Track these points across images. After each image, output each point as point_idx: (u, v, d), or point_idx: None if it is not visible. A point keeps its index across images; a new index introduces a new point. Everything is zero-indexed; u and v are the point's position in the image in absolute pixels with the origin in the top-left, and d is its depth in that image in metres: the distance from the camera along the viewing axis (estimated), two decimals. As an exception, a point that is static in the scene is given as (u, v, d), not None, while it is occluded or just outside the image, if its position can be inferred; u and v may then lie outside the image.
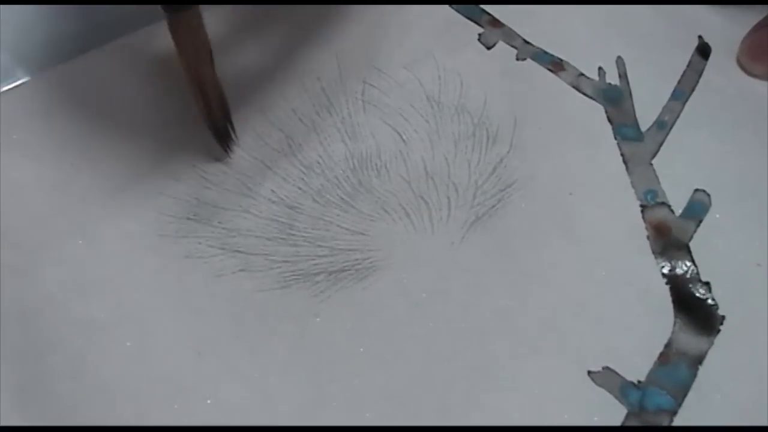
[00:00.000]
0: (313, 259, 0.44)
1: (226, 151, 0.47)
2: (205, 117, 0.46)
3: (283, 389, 0.40)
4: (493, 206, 0.45)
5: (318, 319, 0.42)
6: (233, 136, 0.47)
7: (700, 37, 0.51)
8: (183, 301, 0.43)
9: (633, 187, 0.46)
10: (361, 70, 0.50)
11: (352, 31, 0.51)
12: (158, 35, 0.49)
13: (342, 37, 0.51)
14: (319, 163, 0.47)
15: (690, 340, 0.42)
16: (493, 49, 0.51)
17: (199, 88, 0.45)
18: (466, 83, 0.49)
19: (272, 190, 0.46)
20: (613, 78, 0.50)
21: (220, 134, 0.46)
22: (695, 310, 0.42)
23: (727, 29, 0.51)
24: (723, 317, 0.42)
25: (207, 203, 0.45)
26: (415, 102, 0.49)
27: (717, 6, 0.52)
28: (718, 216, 0.45)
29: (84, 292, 0.43)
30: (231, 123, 0.46)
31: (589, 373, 0.41)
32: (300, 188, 0.46)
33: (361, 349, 0.42)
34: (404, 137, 0.47)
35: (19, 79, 0.49)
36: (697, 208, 0.45)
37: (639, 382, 0.40)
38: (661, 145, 0.47)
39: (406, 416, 0.40)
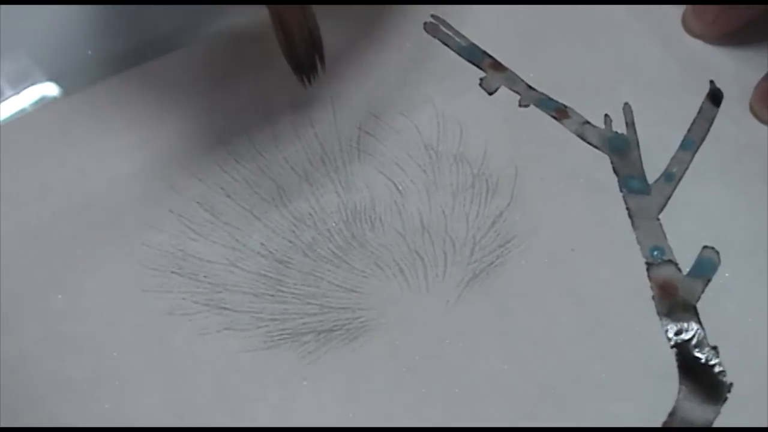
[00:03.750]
0: (302, 318, 0.42)
1: (304, 82, 0.47)
2: (284, 46, 0.46)
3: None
4: (491, 263, 0.43)
5: (305, 383, 0.40)
6: (319, 68, 0.47)
7: (711, 81, 0.49)
8: (165, 361, 0.41)
9: (638, 243, 0.44)
10: (356, 116, 0.48)
11: (349, 74, 0.49)
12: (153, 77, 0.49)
13: (338, 81, 0.49)
14: (311, 215, 0.45)
15: (695, 409, 0.40)
16: (494, 95, 0.49)
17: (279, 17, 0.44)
18: (466, 131, 0.47)
19: (261, 243, 0.44)
20: (619, 126, 0.48)
21: (301, 65, 0.46)
22: (701, 377, 0.40)
23: (741, 74, 0.49)
24: (731, 384, 0.40)
25: (192, 255, 0.44)
26: (412, 150, 0.47)
27: (731, 48, 0.50)
28: (727, 275, 0.43)
29: (61, 349, 0.42)
30: (321, 54, 0.46)
31: (583, 442, 0.39)
32: (290, 241, 0.44)
33: (350, 415, 0.40)
34: (400, 188, 0.46)
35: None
36: (706, 267, 0.43)
37: (642, 457, 0.39)
38: (668, 198, 0.45)
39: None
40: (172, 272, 0.43)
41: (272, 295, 0.43)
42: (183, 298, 0.43)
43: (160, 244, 0.44)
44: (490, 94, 0.49)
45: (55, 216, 0.45)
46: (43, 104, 0.48)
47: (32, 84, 0.49)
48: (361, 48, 0.50)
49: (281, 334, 0.42)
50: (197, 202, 0.45)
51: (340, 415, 0.40)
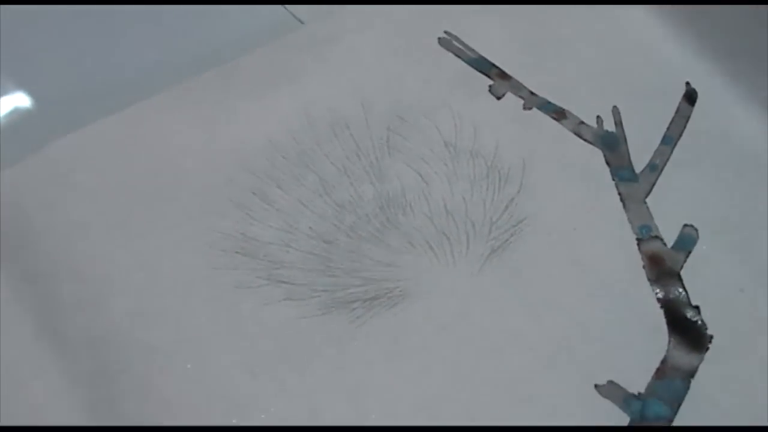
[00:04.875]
0: (349, 288, 0.49)
1: None
2: None
3: (328, 405, 0.46)
4: (507, 240, 0.51)
5: (356, 342, 0.48)
6: None
7: (687, 83, 0.57)
8: (235, 327, 0.48)
9: (629, 222, 0.52)
10: (385, 119, 0.55)
11: (377, 84, 0.57)
12: (211, 86, 0.56)
13: (368, 89, 0.57)
14: (350, 202, 0.52)
15: (683, 357, 0.47)
16: (502, 100, 0.57)
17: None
18: (479, 130, 0.55)
19: (310, 227, 0.51)
20: (609, 125, 0.55)
21: None
22: (687, 331, 0.48)
23: (712, 75, 0.57)
24: (711, 336, 0.48)
25: (253, 238, 0.51)
26: (434, 147, 0.54)
27: (705, 53, 0.58)
28: (704, 248, 0.51)
29: (146, 320, 0.48)
30: None
31: (596, 386, 0.46)
32: (335, 225, 0.51)
33: (395, 368, 0.47)
34: (425, 179, 0.53)
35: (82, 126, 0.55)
36: (687, 241, 0.51)
37: (639, 393, 0.46)
38: (653, 185, 0.53)
39: (433, 421, 0.45)
40: (236, 252, 0.50)
41: (322, 270, 0.50)
42: (247, 274, 0.50)
43: (224, 229, 0.51)
44: (498, 98, 0.57)
45: (133, 207, 0.52)
46: (119, 111, 0.55)
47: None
48: (388, 61, 0.58)
49: (333, 303, 0.49)
50: (253, 193, 0.52)
51: (386, 367, 0.47)
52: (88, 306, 0.49)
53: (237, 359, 0.47)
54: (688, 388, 0.46)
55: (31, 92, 0.57)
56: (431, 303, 0.49)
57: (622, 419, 0.45)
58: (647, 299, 0.49)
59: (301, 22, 0.60)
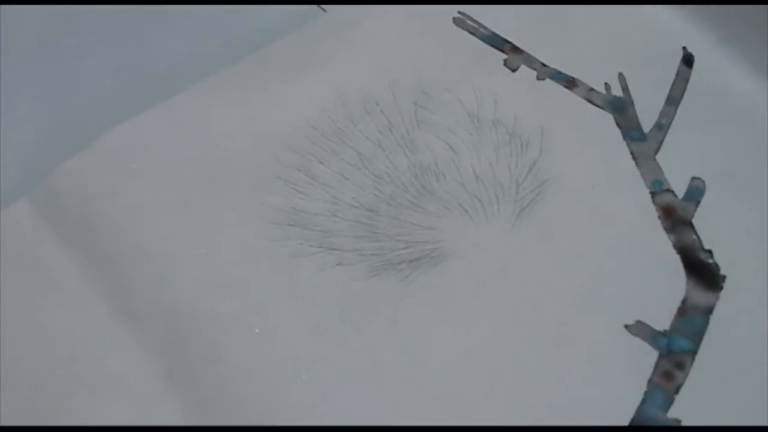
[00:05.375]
0: (394, 252, 0.54)
1: None
2: None
3: (387, 358, 0.50)
4: (533, 199, 0.56)
5: (406, 299, 0.52)
6: None
7: (684, 48, 0.62)
8: (296, 293, 0.52)
9: (642, 178, 0.57)
10: (411, 95, 0.60)
11: (401, 63, 0.61)
12: (247, 74, 0.61)
13: (393, 69, 0.61)
14: (387, 173, 0.57)
15: (701, 296, 0.52)
16: (517, 72, 0.61)
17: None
18: (499, 101, 0.60)
19: (353, 197, 0.56)
20: (617, 91, 0.60)
21: None
22: (702, 273, 0.53)
23: (706, 39, 0.62)
24: (724, 276, 0.53)
25: (302, 211, 0.55)
26: (458, 119, 0.59)
27: (697, 19, 0.63)
28: (712, 197, 0.56)
29: (213, 291, 0.52)
30: None
31: (626, 326, 0.51)
32: (375, 195, 0.56)
33: (444, 320, 0.52)
34: (454, 148, 0.58)
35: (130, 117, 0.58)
36: (695, 192, 0.56)
37: (665, 331, 0.51)
38: (661, 143, 0.58)
39: (488, 370, 0.50)
40: (289, 225, 0.55)
41: (368, 236, 0.54)
42: (301, 244, 0.54)
43: (275, 204, 0.55)
44: (513, 71, 0.61)
45: (187, 190, 0.56)
46: (163, 101, 0.59)
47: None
48: (408, 42, 0.63)
49: (381, 265, 0.53)
50: (298, 169, 0.57)
51: (437, 319, 0.52)
52: (155, 281, 0.52)
53: (300, 321, 0.51)
54: (707, 323, 0.51)
55: (80, 88, 0.62)
56: (470, 260, 0.53)
57: (652, 354, 0.50)
58: (664, 246, 0.54)
59: (324, 10, 0.64)
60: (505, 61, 0.62)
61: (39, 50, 0.64)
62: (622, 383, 0.50)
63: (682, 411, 0.49)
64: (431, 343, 0.51)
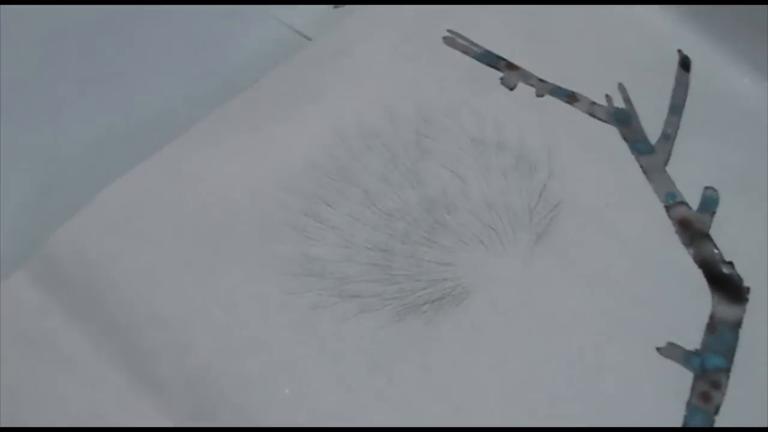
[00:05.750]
0: (416, 293, 0.52)
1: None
2: None
3: (423, 408, 0.49)
4: (548, 224, 0.55)
5: (434, 343, 0.51)
6: None
7: (679, 51, 0.62)
8: (322, 347, 0.51)
9: (655, 192, 0.56)
10: (411, 124, 0.58)
11: (396, 90, 0.60)
12: (237, 115, 0.59)
13: (388, 97, 0.59)
14: (397, 209, 0.55)
15: (727, 310, 0.52)
16: (515, 90, 0.60)
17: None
18: (500, 122, 0.58)
19: (366, 239, 0.54)
20: (619, 102, 0.60)
21: None
22: (726, 286, 0.53)
23: (700, 40, 0.62)
24: (748, 288, 0.53)
25: (316, 258, 0.53)
26: (462, 145, 0.58)
27: (690, 20, 0.62)
28: (727, 206, 0.55)
29: (235, 353, 0.50)
30: None
31: (658, 349, 0.51)
32: (388, 234, 0.54)
33: (475, 360, 0.50)
34: (461, 177, 0.56)
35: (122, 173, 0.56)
36: (710, 203, 0.56)
37: (696, 350, 0.51)
38: (670, 153, 0.57)
39: (526, 409, 0.49)
40: (304, 275, 0.53)
41: (387, 279, 0.53)
42: (320, 294, 0.52)
43: (286, 254, 0.53)
44: (511, 89, 0.60)
45: (194, 246, 0.54)
46: (155, 154, 0.57)
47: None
48: (400, 66, 0.61)
49: (404, 309, 0.52)
50: (305, 214, 0.55)
51: (467, 361, 0.50)
52: (174, 348, 0.50)
53: (330, 378, 0.50)
54: (737, 338, 0.51)
55: (66, 144, 0.59)
56: (493, 295, 0.52)
57: (686, 375, 0.50)
58: (685, 261, 0.54)
59: (308, 39, 0.62)
60: (501, 79, 0.61)
61: (19, 107, 0.61)
62: (661, 408, 0.49)
63: None
64: (466, 387, 0.50)
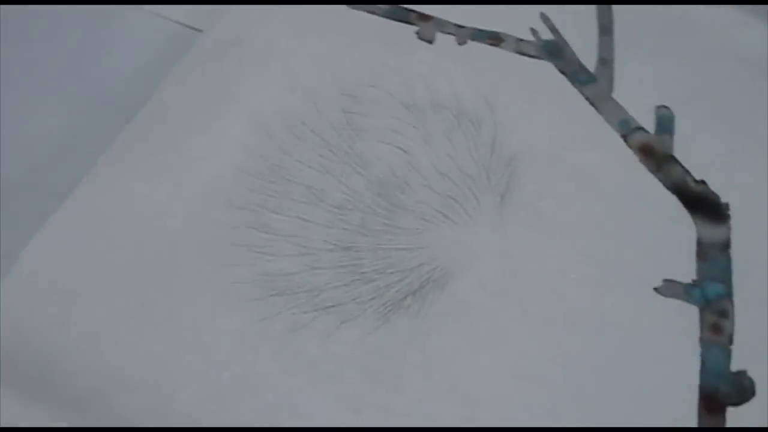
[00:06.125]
0: (394, 287, 0.48)
1: None
2: None
3: (437, 407, 0.45)
4: (508, 182, 0.51)
5: (429, 337, 0.47)
6: None
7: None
8: (312, 372, 0.46)
9: (608, 122, 0.53)
10: (335, 102, 0.53)
11: (309, 70, 0.54)
12: (148, 132, 0.52)
13: (303, 78, 0.54)
14: (347, 200, 0.50)
15: (713, 232, 0.50)
16: (435, 43, 0.55)
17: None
18: (428, 81, 0.54)
19: (323, 240, 0.49)
20: (546, 34, 0.56)
21: None
22: (704, 206, 0.50)
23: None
24: (727, 204, 0.50)
25: (277, 275, 0.48)
26: (396, 114, 0.53)
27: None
28: (684, 122, 0.53)
29: (222, 400, 0.45)
30: None
31: (655, 289, 0.48)
32: (345, 229, 0.50)
33: (476, 345, 0.47)
34: (404, 149, 0.52)
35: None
36: (666, 122, 0.53)
37: (694, 281, 0.48)
38: (612, 79, 0.54)
39: (541, 384, 0.46)
40: (270, 296, 0.48)
41: (359, 279, 0.48)
42: (293, 313, 0.47)
43: (245, 277, 0.48)
44: (430, 42, 0.56)
45: (142, 293, 0.48)
46: (69, 196, 0.50)
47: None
48: (307, 42, 0.56)
49: (385, 308, 0.48)
50: (252, 228, 0.50)
51: (469, 348, 0.47)
52: (154, 409, 0.45)
53: (332, 404, 0.45)
54: (730, 259, 0.49)
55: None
56: (474, 270, 0.49)
57: (691, 310, 0.48)
58: (657, 190, 0.51)
59: (199, 30, 0.55)
60: (417, 33, 0.56)
61: None
62: (675, 351, 0.47)
63: (743, 360, 0.46)
64: (474, 376, 0.46)
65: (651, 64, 0.55)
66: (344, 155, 0.52)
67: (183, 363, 0.46)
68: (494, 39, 0.56)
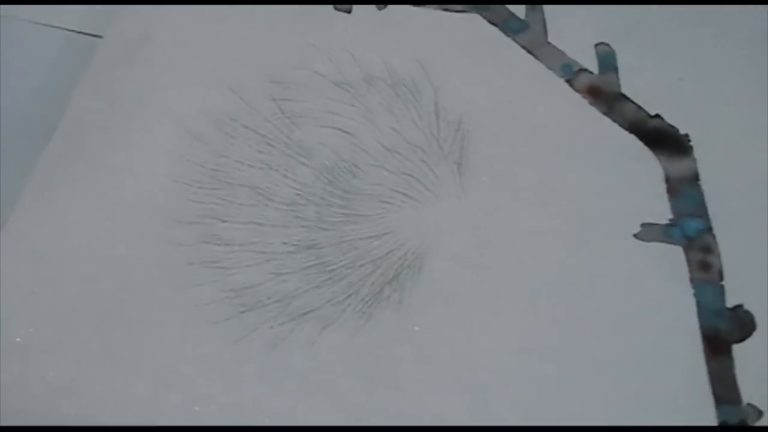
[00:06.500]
0: (366, 280, 0.45)
1: None
2: None
3: (446, 399, 0.43)
4: (461, 146, 0.48)
5: (417, 328, 0.44)
6: None
7: None
8: (306, 385, 0.43)
9: (549, 69, 0.50)
10: (263, 91, 0.49)
11: (229, 61, 0.50)
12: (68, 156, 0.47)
13: (223, 71, 0.50)
14: (298, 194, 0.47)
15: (678, 166, 0.48)
16: (353, 12, 0.52)
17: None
18: (355, 53, 0.50)
19: (283, 243, 0.46)
20: (465, -17, 0.52)
21: None
22: (665, 141, 0.48)
23: None
24: (687, 135, 0.49)
25: (242, 288, 0.45)
26: (329, 94, 0.49)
27: None
28: (626, 57, 0.50)
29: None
30: None
31: (635, 235, 0.46)
32: (303, 226, 0.46)
33: (469, 326, 0.44)
34: (347, 130, 0.48)
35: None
36: (608, 59, 0.50)
37: (671, 220, 0.47)
38: (545, 23, 0.51)
39: (544, 347, 0.44)
40: (241, 312, 0.44)
41: (330, 278, 0.45)
42: (270, 327, 0.44)
43: (209, 296, 0.44)
44: (349, 12, 0.52)
45: (105, 336, 0.44)
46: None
47: None
48: (219, 33, 0.51)
49: (364, 304, 0.44)
50: (203, 242, 0.45)
51: (463, 331, 0.44)
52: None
53: (335, 414, 0.42)
54: (701, 191, 0.47)
55: None
56: (447, 248, 0.46)
57: (676, 252, 0.46)
58: (613, 131, 0.49)
59: (98, 36, 0.50)
60: (334, 5, 0.52)
61: None
62: (667, 297, 0.45)
63: (738, 294, 0.45)
64: (473, 360, 0.44)
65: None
66: (284, 147, 0.48)
67: (164, 402, 0.42)
68: (413, -4, 0.52)
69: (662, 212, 0.47)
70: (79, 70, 0.49)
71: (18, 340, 0.43)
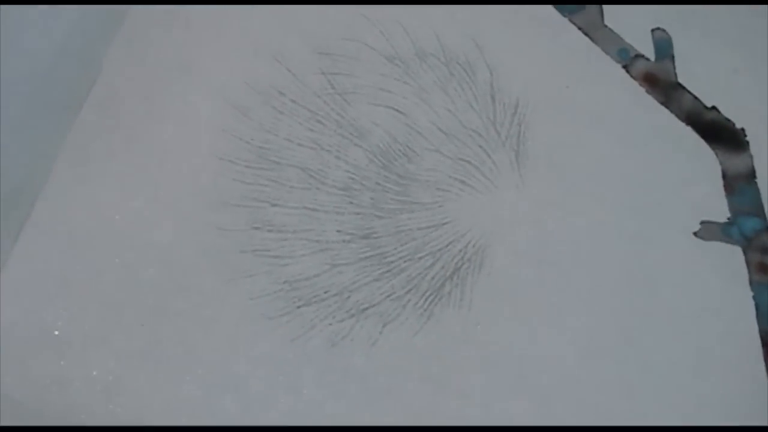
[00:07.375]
0: (427, 274, 0.43)
1: None
2: None
3: (510, 405, 0.41)
4: (519, 132, 0.46)
5: (479, 326, 0.42)
6: None
7: None
8: (368, 387, 0.41)
9: (606, 53, 0.48)
10: (311, 63, 0.45)
11: (271, 27, 0.46)
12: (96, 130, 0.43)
13: (266, 37, 0.46)
14: (352, 178, 0.44)
15: (735, 162, 0.46)
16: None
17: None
18: (407, 26, 0.47)
19: (337, 231, 0.43)
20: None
21: None
22: (722, 134, 0.47)
23: None
24: (743, 129, 0.47)
25: (297, 280, 0.42)
26: (380, 69, 0.46)
27: None
28: (682, 44, 0.48)
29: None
30: None
31: (695, 234, 0.45)
32: (357, 213, 0.43)
33: (533, 322, 0.43)
34: (400, 110, 0.45)
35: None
36: (664, 46, 0.48)
37: (729, 218, 0.45)
38: (601, 4, 0.49)
39: (608, 343, 0.43)
40: (298, 307, 0.41)
41: (388, 270, 0.42)
42: (329, 324, 0.41)
43: (262, 288, 0.41)
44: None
45: (148, 324, 0.40)
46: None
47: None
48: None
49: (425, 300, 0.42)
50: (255, 228, 0.42)
51: (526, 328, 0.42)
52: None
53: (402, 417, 0.40)
54: (758, 189, 0.46)
55: None
56: (508, 241, 0.44)
57: (735, 252, 0.45)
58: (671, 122, 0.47)
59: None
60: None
61: None
62: (726, 296, 0.44)
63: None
64: (538, 362, 0.42)
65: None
66: (335, 125, 0.44)
67: (219, 406, 0.39)
68: (469, -27, 0.49)
69: (719, 209, 0.45)
70: (110, 28, 0.45)
71: (56, 333, 0.39)
